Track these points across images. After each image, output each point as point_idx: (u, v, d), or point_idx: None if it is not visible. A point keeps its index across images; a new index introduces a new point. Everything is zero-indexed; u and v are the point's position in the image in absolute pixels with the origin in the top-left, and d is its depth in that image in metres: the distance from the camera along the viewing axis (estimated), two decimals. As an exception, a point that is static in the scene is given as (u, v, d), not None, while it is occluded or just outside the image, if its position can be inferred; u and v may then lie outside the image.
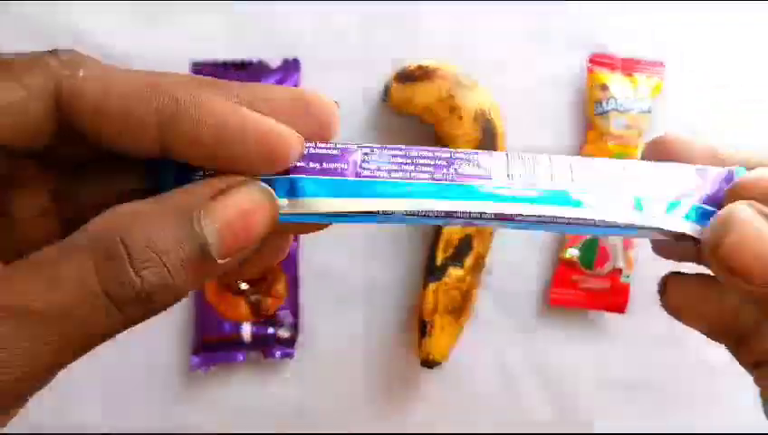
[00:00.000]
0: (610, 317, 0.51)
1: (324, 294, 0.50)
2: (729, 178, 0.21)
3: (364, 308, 0.50)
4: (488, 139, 0.46)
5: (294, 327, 0.49)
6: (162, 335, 0.49)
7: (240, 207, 0.17)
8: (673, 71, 0.50)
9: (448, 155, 0.21)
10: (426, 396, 0.51)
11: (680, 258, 0.23)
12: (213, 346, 0.49)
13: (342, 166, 0.20)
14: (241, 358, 0.49)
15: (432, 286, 0.47)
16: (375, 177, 0.20)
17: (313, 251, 0.50)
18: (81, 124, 0.17)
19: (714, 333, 0.22)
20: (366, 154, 0.21)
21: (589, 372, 0.51)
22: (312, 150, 0.20)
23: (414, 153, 0.21)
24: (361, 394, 0.50)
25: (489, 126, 0.46)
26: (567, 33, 0.50)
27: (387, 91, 0.47)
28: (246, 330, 0.49)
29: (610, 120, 0.48)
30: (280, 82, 0.48)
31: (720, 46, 0.51)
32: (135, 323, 0.17)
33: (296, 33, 0.49)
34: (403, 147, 0.21)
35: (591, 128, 0.49)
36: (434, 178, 0.20)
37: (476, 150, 0.21)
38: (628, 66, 0.49)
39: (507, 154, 0.21)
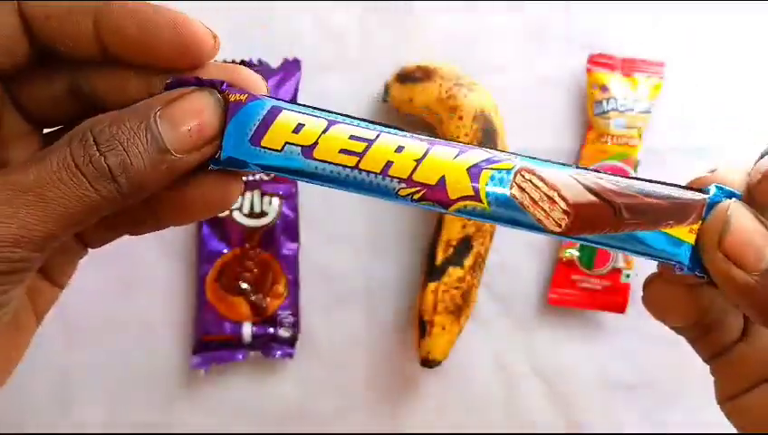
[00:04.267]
0: (610, 317, 0.51)
1: (324, 294, 0.50)
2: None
3: (364, 308, 0.50)
4: (488, 139, 0.46)
5: (294, 327, 0.49)
6: (162, 335, 0.49)
7: (189, 107, 0.20)
8: (673, 71, 0.50)
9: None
10: (426, 396, 0.51)
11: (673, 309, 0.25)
12: (213, 346, 0.49)
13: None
14: (241, 358, 0.49)
15: (432, 286, 0.47)
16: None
17: (313, 251, 0.50)
18: (38, 31, 0.21)
19: (682, 328, 0.25)
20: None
21: (588, 372, 0.51)
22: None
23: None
24: (361, 394, 0.50)
25: (489, 126, 0.46)
26: (567, 33, 0.50)
27: (387, 91, 0.47)
28: (246, 330, 0.49)
29: (610, 120, 0.48)
30: (280, 82, 0.48)
31: (720, 46, 0.51)
32: (109, 203, 0.20)
33: (296, 33, 0.49)
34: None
35: (591, 128, 0.49)
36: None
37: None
38: (628, 66, 0.49)
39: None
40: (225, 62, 0.47)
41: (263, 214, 0.49)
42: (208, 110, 0.21)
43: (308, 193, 0.50)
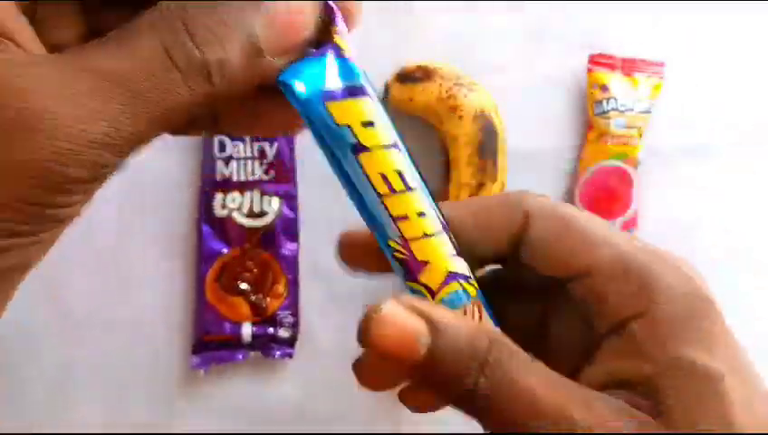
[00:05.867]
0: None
1: (324, 294, 0.50)
2: None
3: (364, 308, 0.50)
4: (488, 139, 0.46)
5: (294, 327, 0.49)
6: (162, 335, 0.49)
7: (286, 8, 0.19)
8: (673, 71, 0.50)
9: None
10: (426, 396, 0.51)
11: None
12: (213, 346, 0.49)
13: None
14: (241, 358, 0.49)
15: (432, 286, 0.47)
16: None
17: (313, 251, 0.50)
18: None
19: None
20: None
21: (589, 372, 0.51)
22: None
23: None
24: (361, 394, 0.50)
25: (489, 126, 0.46)
26: (567, 33, 0.50)
27: (387, 90, 0.47)
28: (246, 330, 0.49)
29: (610, 120, 0.48)
30: (280, 82, 0.48)
31: (720, 46, 0.51)
32: (200, 102, 0.18)
33: (296, 33, 0.49)
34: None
35: (591, 128, 0.49)
36: None
37: None
38: (628, 66, 0.49)
39: None
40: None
41: (262, 214, 0.49)
42: (303, 11, 0.19)
43: (308, 193, 0.50)
